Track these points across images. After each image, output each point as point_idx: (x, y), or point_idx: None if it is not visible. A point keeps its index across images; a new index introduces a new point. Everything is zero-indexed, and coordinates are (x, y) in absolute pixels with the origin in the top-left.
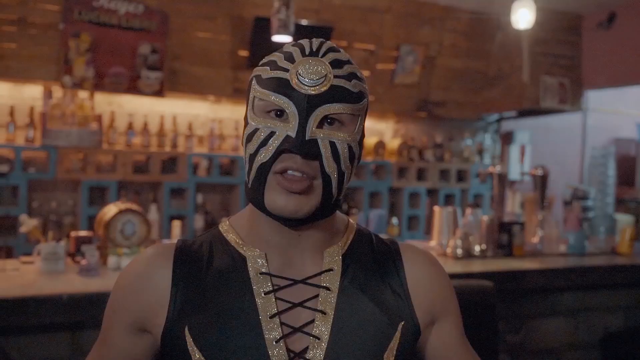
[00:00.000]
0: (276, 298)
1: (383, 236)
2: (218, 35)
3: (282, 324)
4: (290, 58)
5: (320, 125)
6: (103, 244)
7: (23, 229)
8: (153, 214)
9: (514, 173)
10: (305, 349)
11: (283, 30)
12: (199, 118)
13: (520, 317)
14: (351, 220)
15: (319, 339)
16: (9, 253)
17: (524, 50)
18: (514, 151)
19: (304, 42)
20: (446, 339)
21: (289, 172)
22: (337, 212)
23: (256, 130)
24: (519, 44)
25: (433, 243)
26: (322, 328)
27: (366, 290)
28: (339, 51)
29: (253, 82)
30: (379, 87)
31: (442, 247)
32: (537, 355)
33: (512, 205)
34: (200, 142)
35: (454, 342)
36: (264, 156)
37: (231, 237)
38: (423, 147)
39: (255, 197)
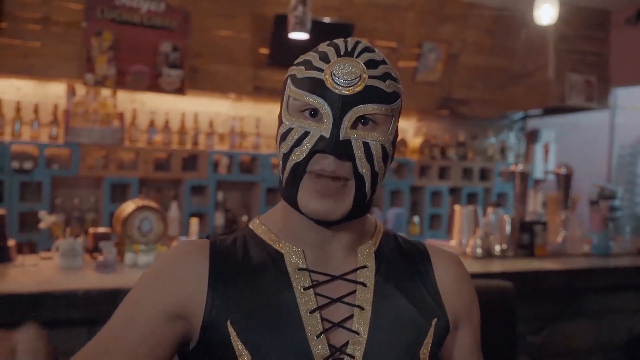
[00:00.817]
0: (315, 294)
1: (405, 236)
2: (239, 33)
3: (322, 319)
4: (325, 58)
5: (354, 125)
6: (121, 240)
7: (42, 225)
8: (174, 211)
9: (539, 172)
10: (346, 344)
11: (300, 27)
12: (219, 116)
13: (542, 318)
14: (378, 222)
15: (358, 334)
16: (32, 248)
17: (549, 47)
18: (539, 150)
19: (339, 42)
20: (463, 348)
21: (323, 174)
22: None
23: (290, 129)
24: (543, 41)
25: (453, 242)
26: (361, 323)
27: (400, 287)
28: (373, 51)
29: (288, 82)
30: (401, 85)
31: (461, 247)
32: (559, 358)
33: (534, 205)
34: (221, 139)
35: (469, 353)
36: (297, 156)
37: (264, 234)
38: (445, 146)
39: (289, 196)
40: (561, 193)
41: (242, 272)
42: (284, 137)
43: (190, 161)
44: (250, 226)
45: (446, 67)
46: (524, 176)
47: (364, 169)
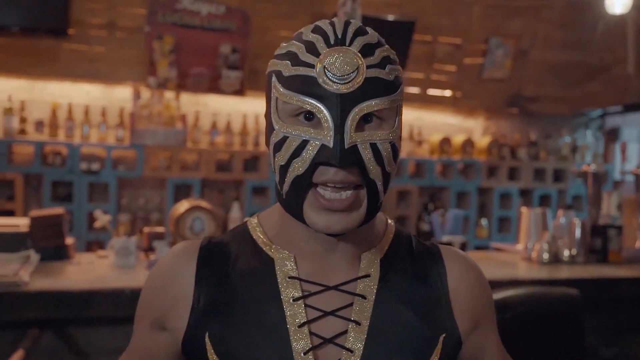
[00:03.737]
0: (306, 305)
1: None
2: None
3: (311, 334)
4: (313, 50)
5: (358, 127)
6: (174, 239)
7: (97, 224)
8: (235, 211)
9: (619, 172)
10: None
11: None
12: None
13: (616, 329)
14: (390, 220)
15: (352, 351)
16: (100, 246)
17: (629, 39)
18: (619, 149)
19: (326, 27)
20: (486, 344)
21: (329, 186)
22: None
23: (285, 138)
24: (622, 33)
25: (519, 246)
26: (356, 340)
27: (405, 299)
28: (367, 33)
29: (273, 79)
30: (466, 83)
31: (527, 251)
32: None
33: (608, 207)
34: None
35: (493, 348)
36: (298, 167)
37: (259, 237)
38: (516, 145)
39: (293, 209)
40: (639, 195)
41: (230, 279)
42: (278, 146)
43: (252, 162)
44: (248, 225)
45: (515, 63)
46: (597, 177)
47: (374, 172)
